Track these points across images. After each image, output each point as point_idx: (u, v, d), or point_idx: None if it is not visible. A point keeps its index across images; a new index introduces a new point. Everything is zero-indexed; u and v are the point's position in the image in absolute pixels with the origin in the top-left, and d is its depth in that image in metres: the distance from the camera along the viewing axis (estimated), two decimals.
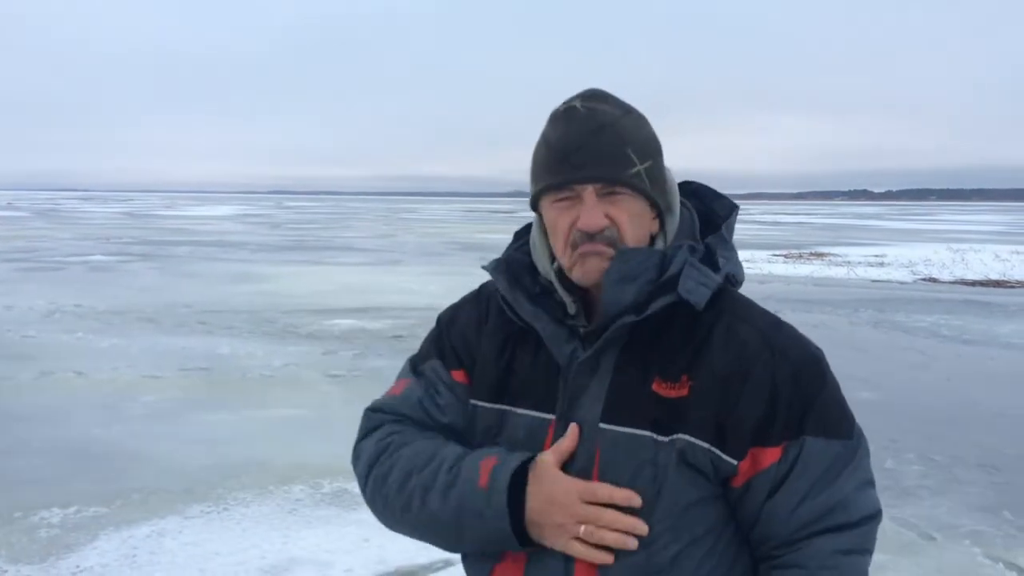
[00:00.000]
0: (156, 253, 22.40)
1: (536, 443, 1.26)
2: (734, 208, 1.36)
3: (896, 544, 4.34)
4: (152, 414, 6.55)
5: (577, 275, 1.25)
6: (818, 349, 1.27)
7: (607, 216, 1.22)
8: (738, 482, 1.20)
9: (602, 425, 1.22)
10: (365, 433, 1.38)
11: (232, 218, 51.93)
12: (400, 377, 1.41)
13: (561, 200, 1.24)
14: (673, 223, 1.30)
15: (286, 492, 4.92)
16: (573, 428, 1.21)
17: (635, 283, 1.21)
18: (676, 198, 1.32)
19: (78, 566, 3.95)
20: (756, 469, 1.19)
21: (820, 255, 24.43)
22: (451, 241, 30.12)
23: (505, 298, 1.31)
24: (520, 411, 1.29)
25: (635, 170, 1.22)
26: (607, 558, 1.18)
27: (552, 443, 1.24)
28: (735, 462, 1.19)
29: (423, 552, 4.12)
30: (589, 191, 1.22)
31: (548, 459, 1.21)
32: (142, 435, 5.99)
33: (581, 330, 1.26)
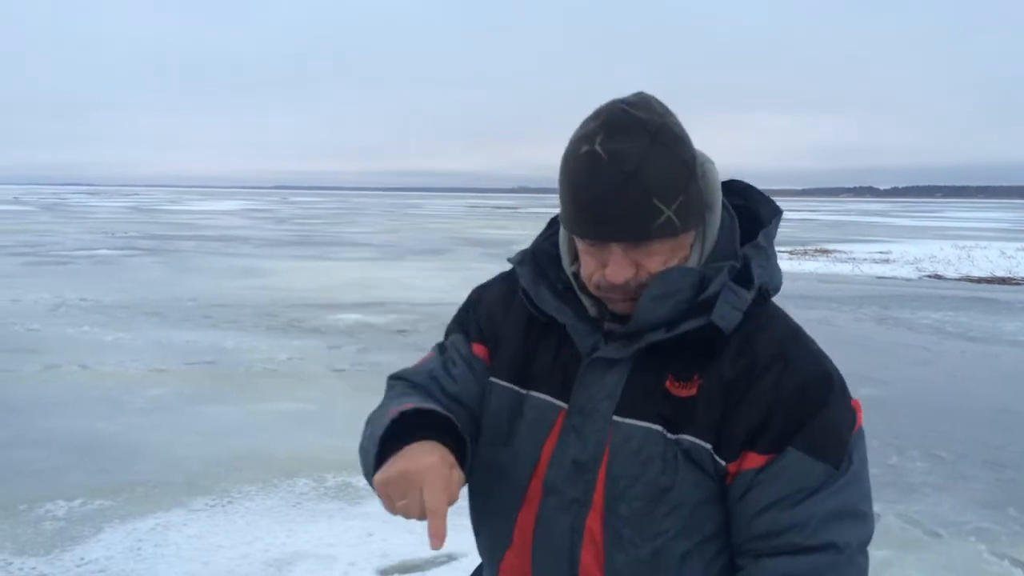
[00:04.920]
0: (161, 247, 22.42)
1: (544, 427, 1.26)
2: (777, 213, 1.31)
3: (901, 540, 4.34)
4: (157, 407, 6.57)
5: (609, 305, 1.24)
6: (835, 371, 1.22)
7: (636, 263, 1.18)
8: (728, 482, 1.20)
9: (615, 418, 1.21)
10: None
11: (237, 213, 51.97)
12: (429, 351, 1.44)
13: (589, 244, 1.20)
14: (713, 227, 1.25)
15: (290, 486, 4.93)
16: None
17: (670, 301, 1.19)
18: (717, 199, 1.25)
19: (83, 558, 3.96)
20: (738, 470, 1.18)
21: (825, 251, 24.36)
22: (455, 237, 30.12)
23: (527, 292, 1.30)
24: (536, 394, 1.29)
25: (663, 218, 1.15)
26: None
27: (560, 431, 1.25)
28: (724, 463, 1.18)
29: (426, 546, 4.12)
30: (615, 246, 1.17)
31: (440, 449, 1.14)
32: (147, 428, 6.00)
33: (605, 326, 1.25)
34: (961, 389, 7.83)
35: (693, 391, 1.20)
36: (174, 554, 4.02)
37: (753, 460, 1.17)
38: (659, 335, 1.19)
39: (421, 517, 1.09)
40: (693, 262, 1.23)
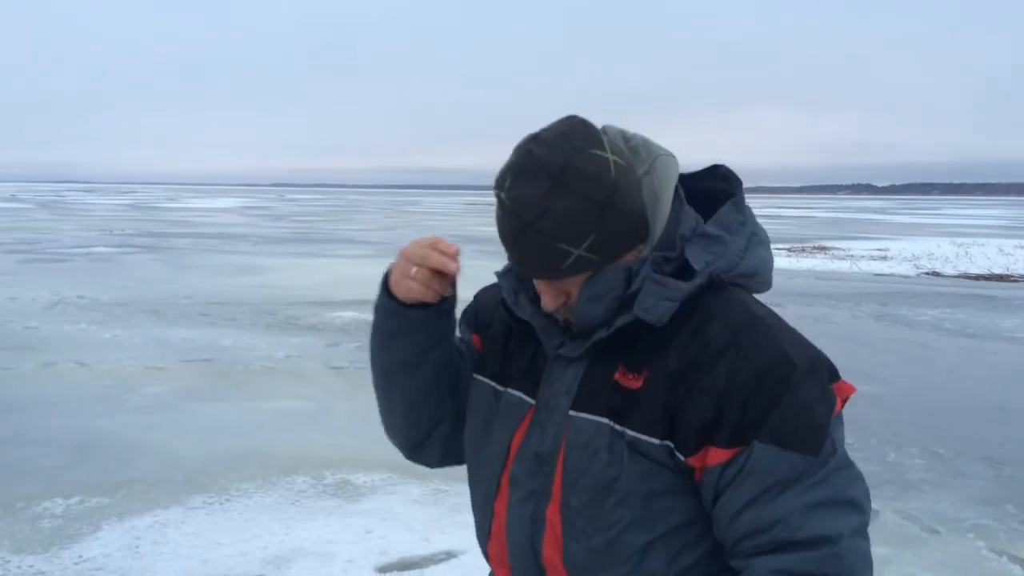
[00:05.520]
0: (159, 245, 22.40)
1: (513, 422, 1.31)
2: (729, 196, 1.30)
3: (899, 537, 4.34)
4: (154, 405, 6.56)
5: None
6: (802, 353, 1.17)
7: (564, 291, 1.23)
8: (697, 477, 1.19)
9: (571, 412, 1.24)
10: None
11: (234, 210, 51.94)
12: None
13: None
14: (661, 222, 1.23)
15: (288, 483, 4.92)
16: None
17: (603, 301, 1.21)
18: (668, 194, 1.23)
19: (81, 556, 3.96)
20: (703, 465, 1.17)
21: (823, 249, 24.38)
22: (453, 234, 30.11)
23: (505, 302, 1.36)
24: (511, 391, 1.33)
25: (571, 260, 1.17)
26: (428, 293, 1.27)
27: (528, 426, 1.29)
28: (683, 458, 1.18)
29: (424, 543, 4.13)
30: (538, 280, 1.25)
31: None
32: (144, 426, 5.99)
33: (574, 328, 1.28)
34: (959, 386, 7.84)
35: (639, 383, 1.20)
36: (172, 552, 4.01)
37: (716, 455, 1.15)
38: (603, 333, 1.22)
39: (431, 261, 1.24)
40: (643, 256, 1.25)
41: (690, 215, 1.26)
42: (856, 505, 1.15)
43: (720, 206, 1.29)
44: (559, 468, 1.23)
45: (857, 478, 1.17)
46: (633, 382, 1.21)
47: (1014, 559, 4.16)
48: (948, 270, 18.83)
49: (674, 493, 1.20)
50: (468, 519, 1.42)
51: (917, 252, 23.57)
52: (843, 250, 24.17)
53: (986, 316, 11.94)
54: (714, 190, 1.32)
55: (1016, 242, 28.42)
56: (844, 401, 1.19)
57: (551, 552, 1.24)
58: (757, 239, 1.29)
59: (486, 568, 1.44)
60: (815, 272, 17.77)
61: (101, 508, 4.52)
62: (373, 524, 4.35)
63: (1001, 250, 24.49)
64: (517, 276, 1.35)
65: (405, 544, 4.12)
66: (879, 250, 24.39)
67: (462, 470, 1.45)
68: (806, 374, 1.15)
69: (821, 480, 1.13)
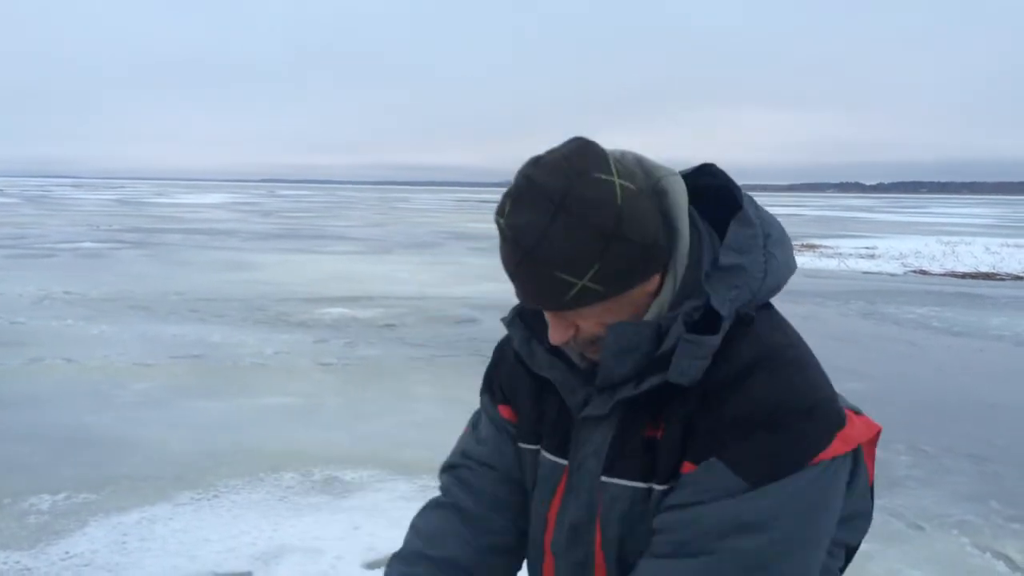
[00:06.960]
0: (147, 241, 22.30)
1: (550, 487, 1.27)
2: (733, 213, 1.19)
3: (884, 534, 4.37)
4: (143, 401, 6.54)
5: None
6: (803, 397, 1.10)
7: (572, 324, 1.15)
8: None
9: (603, 478, 1.19)
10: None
11: (224, 206, 51.74)
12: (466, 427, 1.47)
13: None
14: (682, 255, 1.15)
15: (277, 479, 4.92)
16: None
17: (632, 356, 1.13)
18: (684, 221, 1.14)
19: (68, 552, 3.95)
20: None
21: (811, 247, 24.46)
22: (442, 230, 30.08)
23: (519, 354, 1.29)
24: (544, 454, 1.28)
25: (574, 291, 1.08)
26: None
27: (563, 491, 1.25)
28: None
29: None
30: (545, 311, 1.17)
31: None
32: (132, 422, 5.97)
33: (597, 380, 1.20)
34: (945, 383, 7.89)
35: (660, 431, 1.15)
36: (160, 548, 4.00)
37: (686, 467, 1.12)
38: (629, 391, 1.15)
39: None
40: (666, 297, 1.15)
41: (706, 244, 1.18)
42: (761, 529, 1.07)
43: (719, 205, 1.21)
44: (598, 538, 1.20)
45: (779, 514, 1.07)
46: (655, 431, 1.16)
47: (998, 555, 4.20)
48: (935, 268, 18.93)
49: None
50: None
51: (904, 250, 23.70)
52: (831, 248, 24.27)
53: (973, 314, 12.02)
54: (708, 187, 1.22)
55: (1002, 240, 28.61)
56: (847, 447, 1.16)
57: None
58: (773, 240, 1.20)
59: None
60: (803, 270, 17.82)
61: (88, 504, 4.51)
62: (361, 520, 4.36)
63: (988, 248, 24.64)
64: (526, 323, 1.27)
65: (393, 540, 4.10)
66: (867, 248, 24.50)
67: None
68: (802, 416, 1.09)
69: (743, 502, 1.07)
